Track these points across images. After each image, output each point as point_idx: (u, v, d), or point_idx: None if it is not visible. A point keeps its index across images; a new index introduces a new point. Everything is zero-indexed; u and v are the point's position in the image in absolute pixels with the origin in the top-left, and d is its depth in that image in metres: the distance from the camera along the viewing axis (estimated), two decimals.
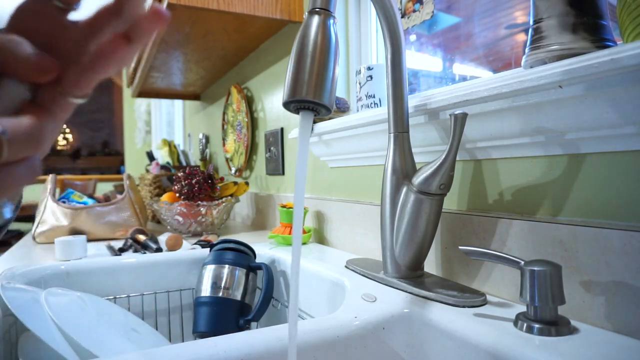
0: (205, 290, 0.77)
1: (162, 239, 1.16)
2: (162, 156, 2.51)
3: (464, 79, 0.84)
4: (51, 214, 1.17)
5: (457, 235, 0.61)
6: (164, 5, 1.00)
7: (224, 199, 1.27)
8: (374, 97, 0.81)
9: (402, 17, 0.89)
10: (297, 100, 0.42)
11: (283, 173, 1.25)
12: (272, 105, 1.32)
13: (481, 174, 0.60)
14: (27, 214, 4.44)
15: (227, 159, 1.68)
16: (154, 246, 1.00)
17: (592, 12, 0.44)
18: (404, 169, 0.58)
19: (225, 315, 0.76)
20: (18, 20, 0.24)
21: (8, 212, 0.30)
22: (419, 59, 0.92)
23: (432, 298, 0.53)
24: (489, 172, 0.59)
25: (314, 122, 0.89)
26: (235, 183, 1.35)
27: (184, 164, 2.13)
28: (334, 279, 0.68)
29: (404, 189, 0.58)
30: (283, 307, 0.84)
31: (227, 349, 0.42)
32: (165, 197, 1.34)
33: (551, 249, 0.48)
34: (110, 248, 1.03)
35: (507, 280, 0.54)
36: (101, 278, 0.82)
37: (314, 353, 0.45)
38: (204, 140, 2.04)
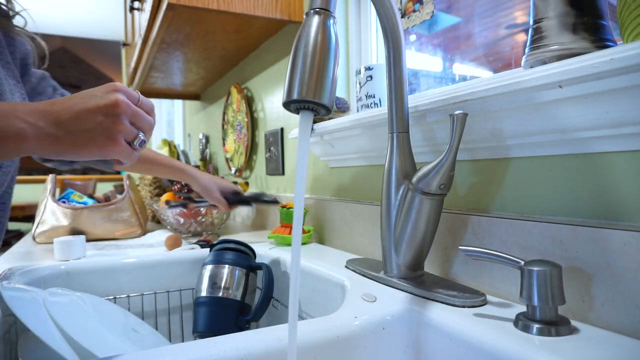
0: (205, 290, 0.77)
1: (162, 238, 1.16)
2: None
3: (464, 79, 0.84)
4: (51, 214, 1.17)
5: (457, 235, 0.61)
6: (164, 5, 1.00)
7: None
8: (374, 97, 0.81)
9: (402, 17, 0.89)
10: (297, 100, 0.41)
11: (283, 173, 1.25)
12: (272, 105, 1.32)
13: (481, 174, 0.60)
14: (27, 214, 4.44)
15: (227, 159, 1.68)
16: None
17: (592, 12, 0.44)
18: (404, 169, 0.58)
19: (225, 316, 0.76)
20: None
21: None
22: (419, 59, 0.92)
23: (432, 298, 0.53)
24: (489, 172, 0.59)
25: (314, 122, 0.89)
26: (235, 183, 1.35)
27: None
28: (334, 279, 0.68)
29: (404, 189, 0.58)
30: (283, 307, 0.84)
31: (227, 349, 0.42)
32: (165, 197, 1.34)
33: (551, 249, 0.48)
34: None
35: (507, 280, 0.54)
36: (101, 278, 0.82)
37: (314, 353, 0.45)
38: (204, 140, 2.04)
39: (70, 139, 0.45)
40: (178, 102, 3.01)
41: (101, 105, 0.46)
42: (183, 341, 0.89)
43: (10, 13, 0.67)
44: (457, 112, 0.51)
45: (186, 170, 1.05)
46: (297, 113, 0.43)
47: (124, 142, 0.48)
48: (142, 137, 0.49)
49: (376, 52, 1.01)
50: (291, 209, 0.98)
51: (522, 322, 0.43)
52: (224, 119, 1.70)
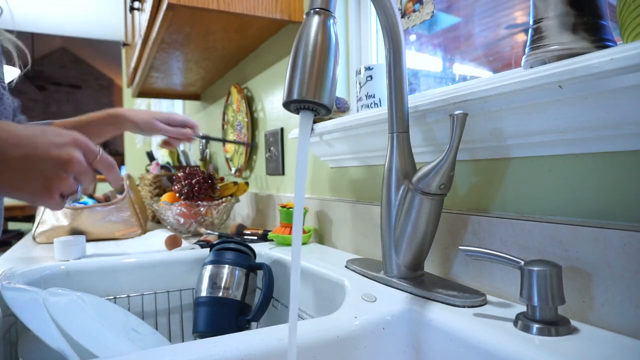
0: (205, 290, 0.77)
1: (162, 238, 1.16)
2: (162, 156, 2.51)
3: (464, 79, 0.84)
4: (51, 214, 1.17)
5: (457, 235, 0.61)
6: (164, 5, 1.00)
7: (224, 199, 1.27)
8: (374, 97, 0.81)
9: (402, 17, 0.89)
10: (297, 100, 0.42)
11: (283, 173, 1.25)
12: (272, 105, 1.32)
13: (481, 174, 0.60)
14: (27, 214, 4.44)
15: (227, 159, 1.68)
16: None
17: (592, 12, 0.44)
18: (404, 169, 0.58)
19: (225, 315, 0.76)
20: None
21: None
22: (419, 59, 0.92)
23: (432, 298, 0.53)
24: (489, 172, 0.59)
25: (314, 122, 0.89)
26: (235, 183, 1.35)
27: (184, 164, 2.13)
28: (334, 279, 0.68)
29: (404, 189, 0.58)
30: (283, 307, 0.84)
31: (227, 349, 0.42)
32: (165, 197, 1.34)
33: (551, 249, 0.48)
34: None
35: (507, 280, 0.54)
36: (101, 278, 0.82)
37: (314, 353, 0.45)
38: (203, 140, 2.04)
39: (7, 177, 0.43)
40: (178, 102, 3.01)
41: (53, 157, 0.43)
42: (183, 341, 0.89)
43: None
44: (457, 112, 0.51)
45: (111, 112, 0.91)
46: (297, 113, 0.43)
47: (58, 196, 0.45)
48: (77, 195, 0.48)
49: (376, 52, 1.01)
50: (291, 209, 0.98)
51: (522, 322, 0.43)
52: (224, 119, 1.70)
